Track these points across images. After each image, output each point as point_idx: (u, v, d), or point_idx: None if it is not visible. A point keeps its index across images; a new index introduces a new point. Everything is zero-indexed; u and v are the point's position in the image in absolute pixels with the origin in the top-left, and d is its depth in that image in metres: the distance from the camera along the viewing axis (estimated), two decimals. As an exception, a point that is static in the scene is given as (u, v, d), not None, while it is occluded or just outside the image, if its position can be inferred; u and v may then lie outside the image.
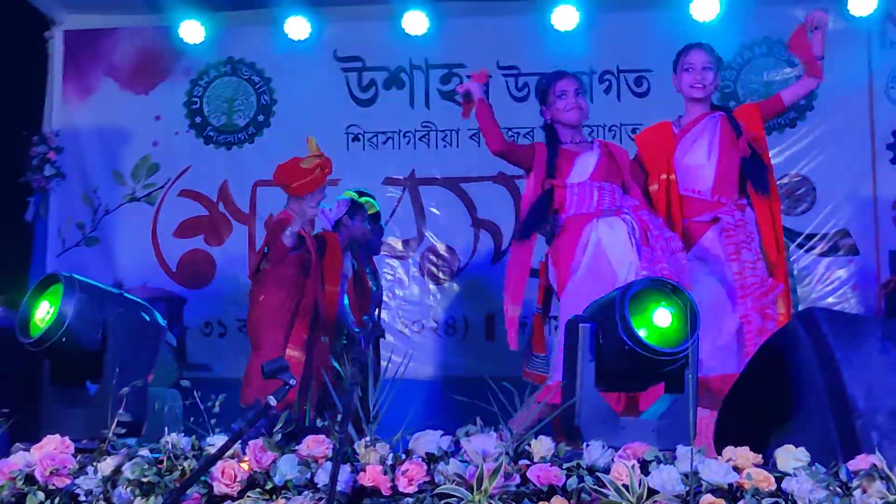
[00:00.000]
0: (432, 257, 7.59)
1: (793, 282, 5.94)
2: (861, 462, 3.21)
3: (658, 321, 3.56)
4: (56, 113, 7.96)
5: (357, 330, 3.19)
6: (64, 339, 3.73)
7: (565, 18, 7.49)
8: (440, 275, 7.55)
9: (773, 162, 7.23)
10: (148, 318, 3.96)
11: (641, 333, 3.50)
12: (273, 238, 5.73)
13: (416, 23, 7.62)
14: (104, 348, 3.81)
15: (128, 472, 3.43)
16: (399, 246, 7.57)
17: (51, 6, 7.87)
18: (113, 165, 7.92)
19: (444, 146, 7.72)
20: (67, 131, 7.91)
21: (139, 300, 4.14)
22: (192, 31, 7.76)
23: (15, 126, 7.78)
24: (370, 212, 6.37)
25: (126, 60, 7.99)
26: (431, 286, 7.55)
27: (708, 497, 3.15)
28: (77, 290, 3.77)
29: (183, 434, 3.58)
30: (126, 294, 4.23)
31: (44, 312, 3.81)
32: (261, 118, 7.91)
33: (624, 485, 3.15)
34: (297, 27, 7.68)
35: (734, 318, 4.56)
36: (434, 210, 7.68)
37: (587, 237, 4.66)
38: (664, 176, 4.68)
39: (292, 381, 3.16)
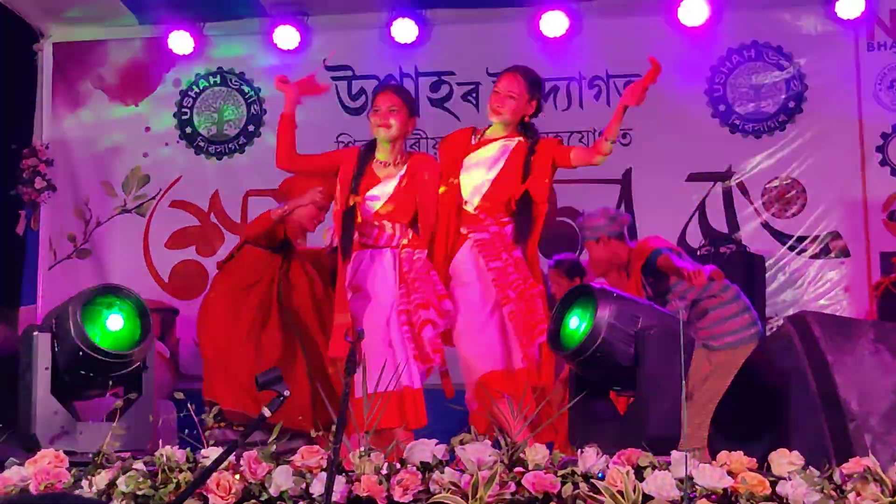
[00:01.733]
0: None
1: None
2: (855, 465, 3.23)
3: (571, 326, 3.76)
4: (46, 125, 7.94)
5: (348, 339, 3.20)
6: (141, 354, 3.88)
7: (554, 25, 7.50)
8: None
9: (763, 165, 7.44)
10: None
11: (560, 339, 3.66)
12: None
13: (405, 31, 7.62)
14: (144, 366, 3.91)
15: (122, 485, 3.43)
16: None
17: (40, 18, 7.86)
18: (103, 177, 7.91)
19: (435, 154, 7.71)
20: (58, 144, 7.89)
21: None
22: (180, 41, 7.75)
23: (5, 139, 7.77)
24: None
25: (115, 72, 7.98)
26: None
27: (703, 502, 3.16)
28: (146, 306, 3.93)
29: (177, 446, 3.59)
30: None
31: (118, 326, 3.84)
32: (251, 128, 7.91)
33: (619, 491, 3.16)
34: (286, 36, 7.68)
35: (494, 318, 4.59)
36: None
37: (356, 266, 4.69)
38: (452, 180, 4.69)
39: (286, 392, 3.16)
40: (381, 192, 4.70)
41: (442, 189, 4.74)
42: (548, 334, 3.84)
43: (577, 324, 3.79)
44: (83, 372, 3.82)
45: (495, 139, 4.74)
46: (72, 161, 7.93)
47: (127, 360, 3.81)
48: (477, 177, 4.67)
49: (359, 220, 4.67)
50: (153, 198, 7.86)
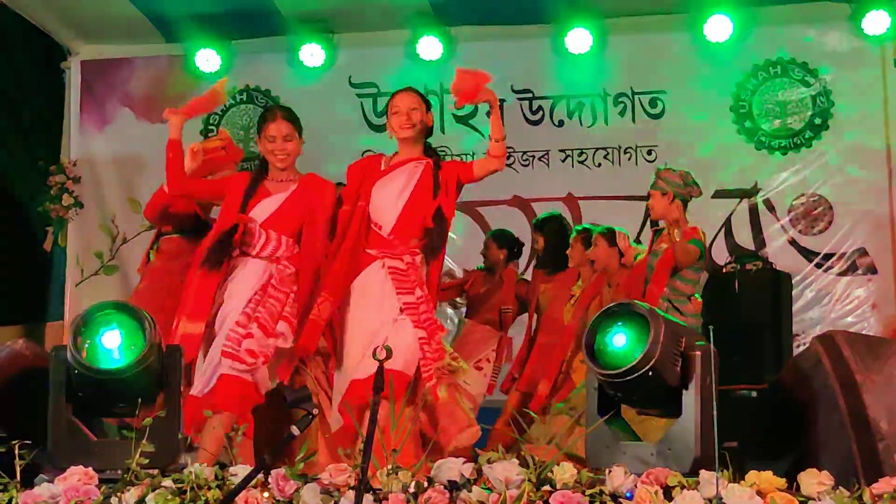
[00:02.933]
0: (449, 281, 7.59)
1: None
2: (885, 485, 3.22)
3: (616, 343, 3.68)
4: (74, 143, 8.02)
5: (376, 358, 3.20)
6: (145, 371, 3.80)
7: (579, 42, 7.52)
8: (458, 299, 7.56)
9: (789, 182, 7.43)
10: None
11: (599, 358, 3.65)
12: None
13: (430, 48, 7.67)
14: (164, 380, 3.88)
15: (151, 502, 3.45)
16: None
17: (68, 37, 7.94)
18: (130, 194, 7.96)
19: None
20: (85, 161, 7.98)
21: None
22: (207, 60, 7.82)
23: (33, 156, 7.84)
24: None
25: (142, 90, 8.06)
26: (449, 310, 7.55)
27: (732, 522, 3.15)
28: (154, 325, 3.85)
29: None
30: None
31: (115, 343, 3.85)
32: (277, 145, 7.94)
33: (647, 510, 3.16)
34: (312, 54, 7.74)
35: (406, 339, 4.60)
36: (451, 234, 7.67)
37: (231, 274, 4.74)
38: (360, 203, 4.76)
39: (315, 411, 3.17)
40: (268, 206, 4.79)
41: (345, 207, 4.79)
42: (585, 349, 3.77)
43: (623, 342, 3.69)
44: (90, 390, 3.84)
45: (405, 161, 4.82)
46: (99, 178, 8.00)
47: (126, 377, 3.79)
48: (389, 201, 4.75)
49: (235, 240, 4.72)
50: (180, 215, 7.90)
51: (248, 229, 4.71)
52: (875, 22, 7.25)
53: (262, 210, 4.78)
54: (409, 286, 4.63)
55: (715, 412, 3.58)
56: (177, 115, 4.91)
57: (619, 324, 3.73)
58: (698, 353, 3.59)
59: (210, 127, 8.00)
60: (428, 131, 4.91)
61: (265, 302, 4.66)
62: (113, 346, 3.84)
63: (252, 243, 4.72)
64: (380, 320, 4.62)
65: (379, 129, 7.86)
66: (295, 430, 3.12)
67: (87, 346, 3.82)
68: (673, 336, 3.59)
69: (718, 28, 7.36)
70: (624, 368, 3.60)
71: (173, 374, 3.94)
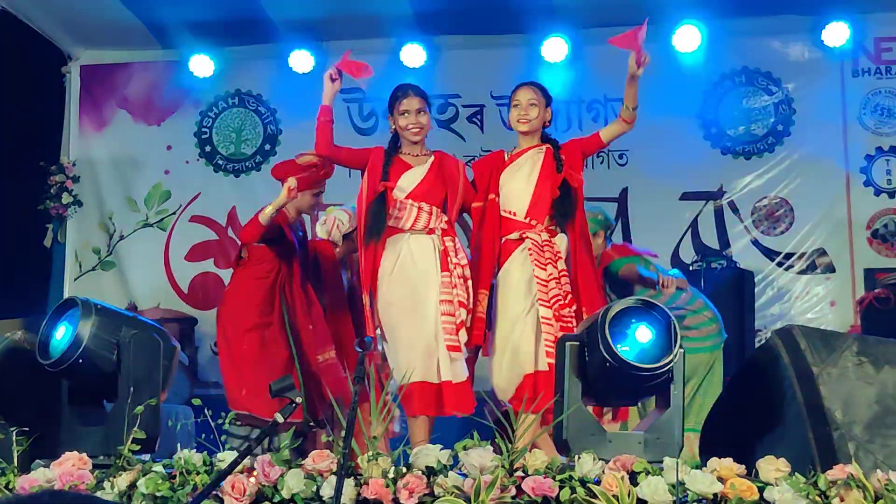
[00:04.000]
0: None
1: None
2: (839, 471, 3.23)
3: (639, 338, 3.61)
4: (73, 144, 7.99)
5: (358, 349, 3.19)
6: (80, 361, 3.77)
7: (555, 50, 7.53)
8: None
9: (753, 185, 7.46)
10: (160, 339, 3.99)
11: (622, 350, 3.56)
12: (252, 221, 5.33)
13: (413, 56, 7.66)
14: (119, 369, 3.84)
15: (142, 486, 3.43)
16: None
17: (68, 42, 7.91)
18: (127, 193, 7.94)
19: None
20: (84, 161, 7.94)
21: (152, 322, 4.17)
22: (201, 65, 7.80)
23: (34, 156, 7.80)
24: None
25: (139, 93, 8.02)
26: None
27: (694, 506, 3.15)
28: (93, 313, 3.82)
29: (195, 450, 3.59)
30: (139, 317, 4.27)
31: (62, 334, 3.86)
32: (267, 147, 7.94)
33: (614, 495, 3.16)
34: (301, 61, 7.72)
35: (528, 321, 4.64)
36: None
37: (398, 250, 4.71)
38: (491, 196, 4.80)
39: (298, 399, 3.16)
40: (413, 177, 4.79)
41: (477, 204, 4.83)
42: (605, 338, 3.62)
43: (649, 338, 3.62)
44: (68, 381, 3.86)
45: (526, 149, 4.86)
46: (97, 177, 7.97)
47: (69, 364, 3.79)
48: (519, 188, 4.79)
49: (389, 206, 4.71)
50: (174, 213, 7.88)
51: (395, 202, 4.70)
52: (835, 34, 7.30)
53: (408, 182, 4.77)
54: (542, 262, 4.62)
55: (683, 403, 3.61)
56: (332, 84, 5.01)
57: (638, 318, 3.65)
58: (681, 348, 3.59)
59: (204, 129, 7.98)
60: (546, 124, 4.93)
61: (454, 283, 4.63)
62: (61, 337, 3.86)
63: (401, 216, 4.72)
64: (518, 312, 4.61)
65: (364, 132, 7.86)
66: (279, 417, 3.11)
67: (51, 340, 3.85)
68: None
69: (687, 38, 7.38)
70: (656, 364, 3.54)
71: (157, 366, 3.91)
